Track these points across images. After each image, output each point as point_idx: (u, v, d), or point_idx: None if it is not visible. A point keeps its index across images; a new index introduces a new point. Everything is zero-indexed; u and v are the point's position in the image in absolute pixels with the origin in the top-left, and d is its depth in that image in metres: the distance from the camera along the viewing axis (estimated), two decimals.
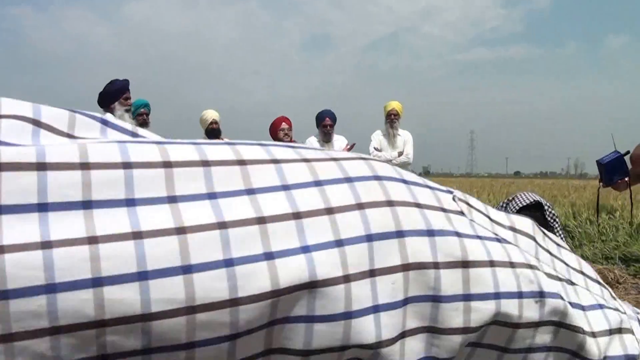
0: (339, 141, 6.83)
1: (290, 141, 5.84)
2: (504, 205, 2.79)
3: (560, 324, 1.62)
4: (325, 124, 6.70)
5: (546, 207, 2.68)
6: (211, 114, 6.50)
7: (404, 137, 6.93)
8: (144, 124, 5.98)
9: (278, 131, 5.77)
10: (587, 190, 19.12)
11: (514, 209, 2.70)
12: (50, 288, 1.10)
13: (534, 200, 2.69)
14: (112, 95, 4.79)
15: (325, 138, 6.71)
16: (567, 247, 1.89)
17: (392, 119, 6.87)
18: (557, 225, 2.70)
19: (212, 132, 6.43)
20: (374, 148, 6.90)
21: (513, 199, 2.75)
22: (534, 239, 1.76)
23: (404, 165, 6.85)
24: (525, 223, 1.78)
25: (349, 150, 6.77)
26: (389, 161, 6.75)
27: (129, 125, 1.57)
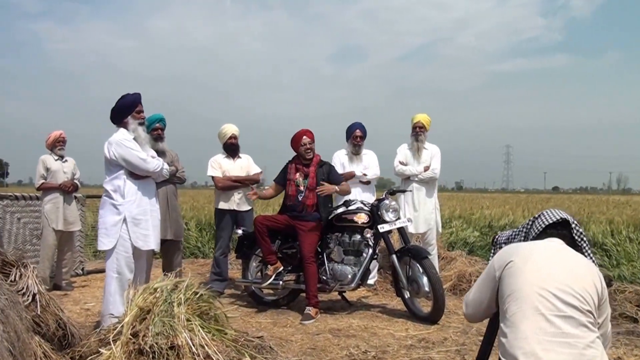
0: (368, 155, 6.65)
1: (313, 156, 5.63)
2: (530, 223, 2.61)
3: None
4: (356, 136, 6.53)
5: (573, 225, 2.44)
6: (230, 129, 6.37)
7: (431, 151, 6.67)
8: (158, 138, 5.88)
9: (300, 146, 5.58)
10: (629, 206, 18.45)
11: (539, 227, 2.51)
12: None
13: (561, 218, 2.44)
14: (125, 110, 4.67)
15: (355, 150, 6.55)
16: None
17: (417, 131, 6.63)
18: (585, 245, 2.48)
19: (231, 147, 6.31)
20: (399, 162, 6.66)
21: (538, 216, 2.55)
22: None
23: (430, 181, 6.58)
24: None
25: (366, 183, 6.56)
26: (414, 176, 6.52)
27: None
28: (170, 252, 6.03)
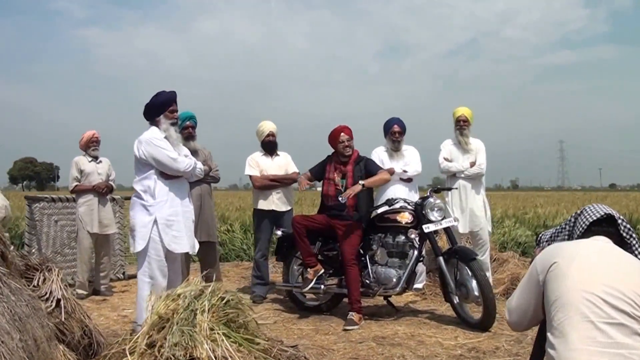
0: (409, 151, 6.30)
1: (352, 153, 5.35)
2: (572, 220, 2.38)
3: None
4: (394, 131, 6.21)
5: (620, 221, 2.18)
6: (268, 126, 6.14)
7: (476, 146, 6.28)
8: (189, 137, 5.71)
9: (338, 143, 5.31)
10: None
11: (583, 225, 2.30)
12: None
13: (605, 214, 2.17)
14: (158, 108, 4.50)
15: (394, 147, 6.21)
16: None
17: (461, 125, 6.25)
18: (635, 243, 2.22)
19: (269, 144, 6.08)
20: (444, 158, 6.30)
21: (581, 212, 2.33)
22: None
23: (477, 177, 6.20)
24: None
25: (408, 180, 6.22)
26: (460, 172, 6.15)
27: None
28: (206, 254, 5.84)
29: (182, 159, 4.45)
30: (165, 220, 4.35)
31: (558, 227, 2.49)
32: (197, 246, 4.65)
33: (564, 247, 2.16)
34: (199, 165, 4.67)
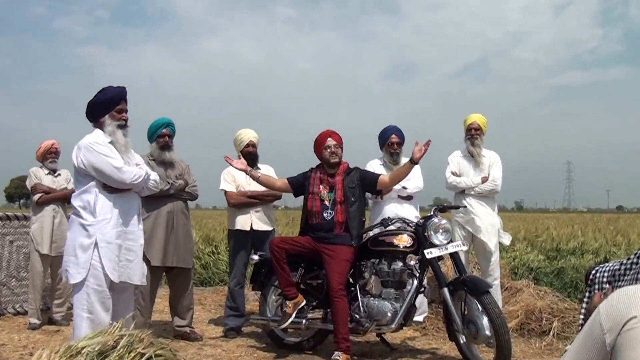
0: None
1: (339, 161, 4.57)
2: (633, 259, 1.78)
3: None
4: (391, 142, 5.42)
5: None
6: (248, 134, 5.35)
7: (490, 159, 5.47)
8: (165, 147, 4.97)
9: (323, 149, 4.53)
10: None
11: None
12: None
13: None
14: (103, 106, 3.76)
15: (392, 160, 5.42)
16: None
17: (472, 134, 5.45)
18: None
19: (249, 155, 5.23)
20: (452, 172, 5.49)
21: None
22: None
23: (490, 194, 5.40)
24: None
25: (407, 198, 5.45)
26: (470, 188, 5.36)
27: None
28: (177, 282, 5.06)
29: (129, 169, 3.67)
30: (106, 243, 3.56)
31: (617, 262, 1.72)
32: (145, 275, 3.87)
33: None
34: (153, 176, 3.90)
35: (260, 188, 5.19)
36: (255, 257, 4.91)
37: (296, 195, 4.72)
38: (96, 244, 3.54)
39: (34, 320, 5.45)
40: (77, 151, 3.64)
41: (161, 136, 4.98)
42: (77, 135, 3.81)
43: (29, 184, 5.59)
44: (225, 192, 5.25)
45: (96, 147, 3.60)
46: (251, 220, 5.16)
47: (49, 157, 5.64)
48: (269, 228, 5.27)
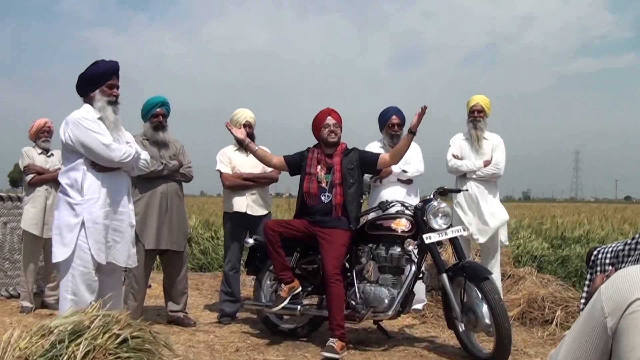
0: (410, 149, 5.32)
1: (338, 141, 4.43)
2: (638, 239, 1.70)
3: None
4: (392, 123, 5.27)
5: None
6: (245, 114, 5.19)
7: (493, 142, 5.32)
8: (159, 127, 4.84)
9: (321, 128, 4.40)
10: None
11: None
12: None
13: None
14: (94, 81, 3.65)
15: (392, 142, 5.25)
16: None
17: (475, 116, 5.30)
18: None
19: None
20: (453, 155, 5.35)
21: None
22: None
23: (492, 179, 5.26)
24: None
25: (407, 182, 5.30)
26: (472, 172, 5.22)
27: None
28: (171, 266, 4.95)
29: (118, 147, 3.55)
30: (93, 223, 3.46)
31: (620, 243, 1.59)
32: (130, 257, 3.76)
33: None
34: (144, 155, 3.79)
35: (256, 171, 5.06)
36: (250, 241, 4.79)
37: (292, 174, 4.59)
38: (83, 224, 3.45)
39: (26, 304, 5.37)
40: (65, 126, 3.54)
41: (155, 115, 4.85)
42: None
43: (21, 164, 5.48)
44: (221, 173, 5.12)
45: (84, 122, 3.49)
46: (247, 203, 5.04)
47: (41, 136, 5.52)
48: (265, 212, 5.14)
